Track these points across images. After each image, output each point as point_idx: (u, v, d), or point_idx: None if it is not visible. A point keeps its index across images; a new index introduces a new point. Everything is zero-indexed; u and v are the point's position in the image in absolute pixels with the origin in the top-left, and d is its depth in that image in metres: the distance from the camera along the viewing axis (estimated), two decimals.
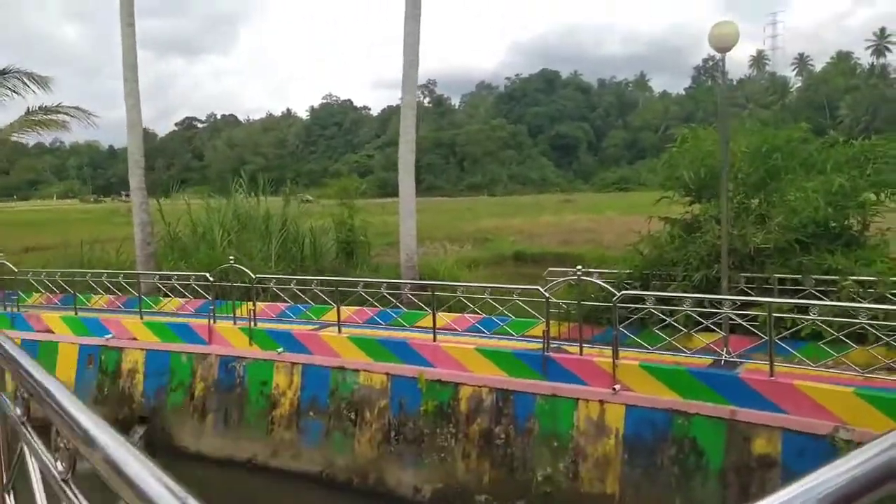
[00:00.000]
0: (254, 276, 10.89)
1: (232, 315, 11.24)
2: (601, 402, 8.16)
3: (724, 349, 8.05)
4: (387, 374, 9.61)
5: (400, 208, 14.06)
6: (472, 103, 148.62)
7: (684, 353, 8.22)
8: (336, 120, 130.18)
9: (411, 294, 10.22)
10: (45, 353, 12.51)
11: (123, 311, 13.18)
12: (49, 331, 12.77)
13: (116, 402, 11.76)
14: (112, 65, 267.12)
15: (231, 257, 11.33)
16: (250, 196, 18.63)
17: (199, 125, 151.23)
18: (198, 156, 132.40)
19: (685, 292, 9.29)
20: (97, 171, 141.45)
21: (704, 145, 9.83)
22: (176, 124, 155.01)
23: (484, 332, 9.95)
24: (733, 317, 8.12)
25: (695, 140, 10.35)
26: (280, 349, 10.49)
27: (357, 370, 9.86)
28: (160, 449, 11.07)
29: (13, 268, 13.45)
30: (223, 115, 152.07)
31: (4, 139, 15.81)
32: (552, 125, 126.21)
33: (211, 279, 11.40)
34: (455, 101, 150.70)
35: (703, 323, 8.24)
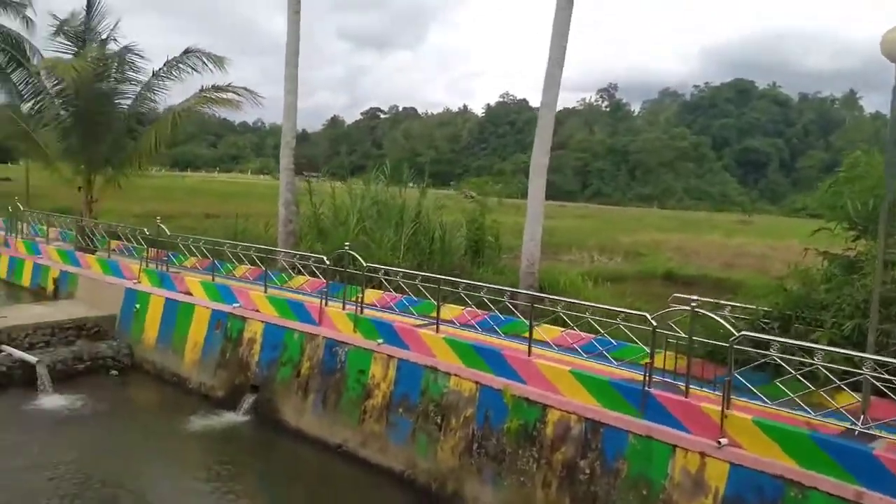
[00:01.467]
0: (364, 264, 10.90)
1: (342, 299, 11.37)
2: (702, 454, 7.11)
3: (861, 417, 6.65)
4: (476, 382, 9.17)
5: (527, 212, 13.48)
6: (652, 110, 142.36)
7: (811, 413, 6.91)
8: (510, 119, 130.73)
9: (509, 302, 9.64)
10: (183, 312, 13.58)
11: (252, 282, 13.89)
12: (188, 293, 13.81)
13: (235, 368, 12.42)
14: (312, 55, 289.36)
15: (346, 244, 11.44)
16: (399, 185, 18.86)
17: (382, 115, 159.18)
18: (377, 144, 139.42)
19: (831, 342, 7.87)
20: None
21: (877, 171, 8.24)
22: (362, 113, 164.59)
23: (582, 354, 9.14)
24: (878, 379, 6.68)
25: (868, 165, 8.74)
26: (380, 340, 10.42)
27: (448, 373, 9.52)
28: (265, 419, 11.55)
29: (167, 231, 14.67)
30: (404, 108, 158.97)
31: (184, 111, 17.32)
32: (740, 139, 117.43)
33: (327, 262, 11.60)
34: (635, 107, 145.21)
35: (840, 382, 6.87)
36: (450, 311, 11.12)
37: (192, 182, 76.62)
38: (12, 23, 33.03)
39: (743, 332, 7.29)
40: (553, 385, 8.45)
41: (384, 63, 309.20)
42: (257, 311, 12.52)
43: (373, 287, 12.84)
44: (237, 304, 12.78)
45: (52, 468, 9.47)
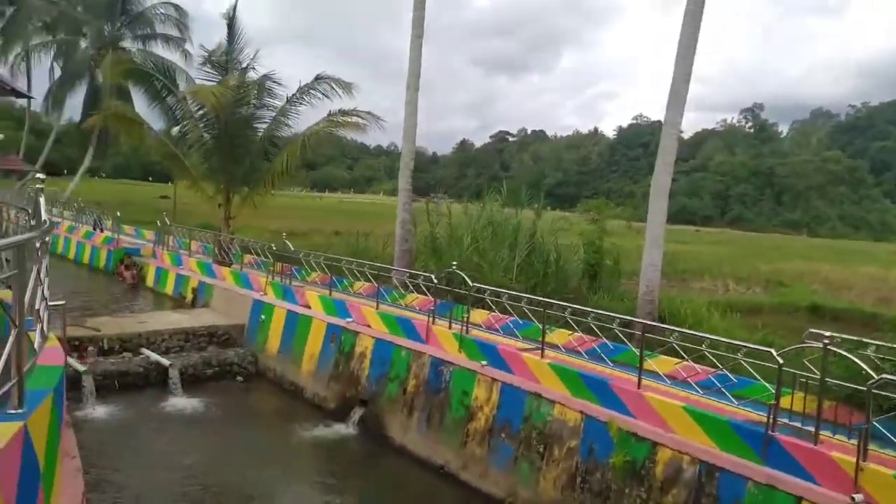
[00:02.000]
0: (471, 284, 10.77)
1: (449, 318, 11.29)
2: None
3: None
4: (581, 412, 8.69)
5: (646, 235, 12.77)
6: (802, 131, 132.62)
7: None
8: (643, 141, 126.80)
9: (620, 330, 9.04)
10: (302, 324, 14.11)
11: (366, 298, 14.17)
12: (308, 306, 14.33)
13: (346, 381, 12.69)
14: (445, 81, 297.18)
15: (454, 264, 11.36)
16: (517, 207, 18.69)
17: (511, 139, 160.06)
18: (505, 167, 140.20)
19: None
20: (420, 175, 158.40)
21: None
22: (491, 137, 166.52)
23: (697, 390, 8.39)
24: None
25: None
26: (484, 362, 10.22)
27: (552, 401, 9.11)
28: (372, 433, 11.66)
29: (290, 246, 15.36)
30: (533, 131, 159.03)
31: (312, 134, 18.21)
32: None
33: (435, 281, 11.59)
34: (783, 129, 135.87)
35: None
36: (558, 336, 10.70)
37: (328, 202, 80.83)
38: (172, 55, 36.57)
39: (884, 376, 6.36)
40: (664, 421, 7.82)
41: (515, 87, 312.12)
42: (369, 326, 12.75)
43: (483, 308, 12.70)
44: (350, 319, 13.09)
45: (175, 468, 10.05)
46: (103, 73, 33.19)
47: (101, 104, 29.67)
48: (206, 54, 18.99)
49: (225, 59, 18.68)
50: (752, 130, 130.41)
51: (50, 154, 51.76)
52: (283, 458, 11.22)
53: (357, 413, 12.10)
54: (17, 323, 3.36)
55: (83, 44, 43.38)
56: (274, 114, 19.19)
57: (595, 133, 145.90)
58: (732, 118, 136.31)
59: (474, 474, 9.90)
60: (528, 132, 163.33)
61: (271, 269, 15.98)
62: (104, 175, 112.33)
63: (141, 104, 23.69)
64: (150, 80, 19.00)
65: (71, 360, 12.91)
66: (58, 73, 45.05)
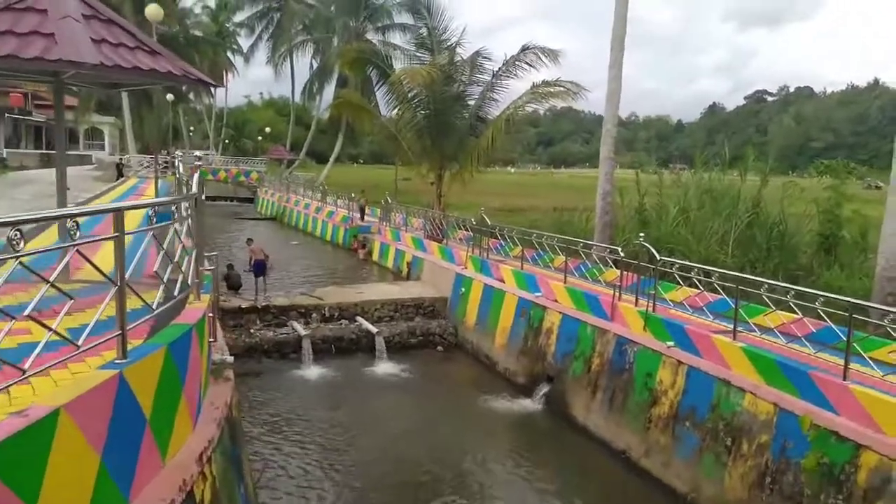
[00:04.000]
0: (657, 257, 9.85)
1: (635, 295, 10.50)
2: None
3: None
4: (775, 404, 7.53)
5: (887, 200, 10.44)
6: None
7: None
8: None
9: (822, 310, 7.49)
10: (496, 298, 14.22)
11: (551, 272, 13.75)
12: (502, 280, 14.38)
13: (534, 356, 12.54)
14: (692, 41, 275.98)
15: (640, 236, 10.47)
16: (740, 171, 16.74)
17: (770, 99, 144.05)
18: (762, 130, 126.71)
19: None
20: (662, 144, 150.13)
21: None
22: (745, 98, 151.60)
23: None
24: None
25: None
26: (670, 343, 9.35)
27: (743, 390, 8.02)
28: (556, 411, 11.39)
29: (487, 220, 15.48)
30: (797, 88, 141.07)
31: (517, 108, 18.09)
32: None
33: (621, 254, 10.84)
34: None
35: None
36: (770, 318, 9.28)
37: (559, 178, 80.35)
38: (398, 38, 38.85)
39: None
40: (873, 420, 6.45)
41: (773, 41, 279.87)
42: (556, 301, 12.40)
43: (691, 286, 11.57)
44: (539, 294, 12.86)
45: (374, 428, 10.75)
46: (331, 61, 36.49)
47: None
48: (418, 38, 19.87)
49: (431, 41, 19.38)
50: None
51: (312, 143, 58.64)
52: (477, 428, 11.30)
53: (543, 389, 11.91)
54: (117, 282, 3.76)
55: (335, 40, 48.08)
56: (482, 89, 19.44)
57: (875, 85, 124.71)
58: None
59: (656, 463, 9.17)
60: (791, 90, 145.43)
61: (471, 243, 16.31)
62: (362, 161, 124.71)
63: (372, 91, 25.61)
64: (372, 68, 20.43)
65: (296, 325, 14.58)
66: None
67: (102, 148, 60.56)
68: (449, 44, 19.77)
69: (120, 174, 38.62)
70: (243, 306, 14.78)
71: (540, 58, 18.27)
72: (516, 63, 18.75)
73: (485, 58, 19.91)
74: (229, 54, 68.94)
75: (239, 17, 60.61)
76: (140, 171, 42.08)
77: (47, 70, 5.92)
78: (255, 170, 53.71)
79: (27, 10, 5.80)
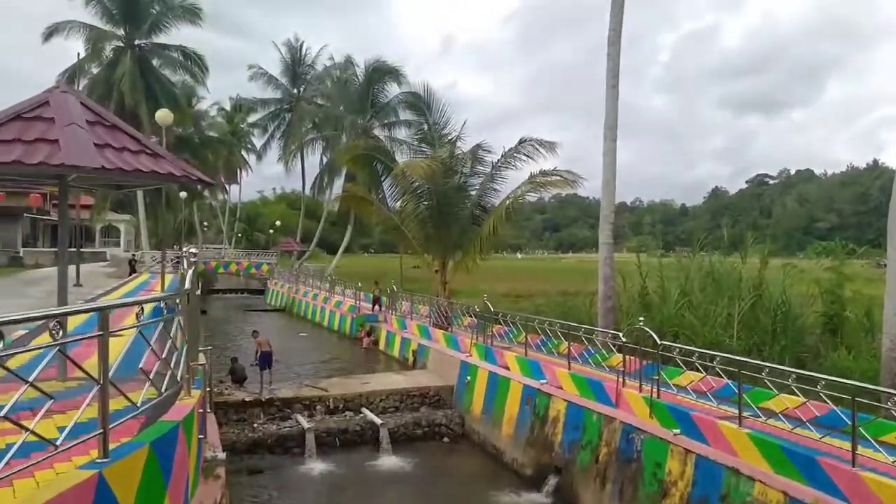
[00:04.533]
0: (658, 341, 9.78)
1: (639, 380, 10.35)
2: None
3: None
4: (784, 493, 7.26)
5: (887, 279, 10.44)
6: None
7: None
8: None
9: (826, 394, 7.33)
10: (501, 385, 14.03)
11: (556, 358, 13.61)
12: (506, 367, 14.23)
13: (541, 446, 12.22)
14: (689, 128, 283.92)
15: (640, 320, 10.44)
16: (741, 254, 16.84)
17: (771, 182, 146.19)
18: (766, 213, 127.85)
19: None
20: (668, 228, 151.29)
21: None
22: (747, 182, 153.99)
23: None
24: None
25: None
26: (677, 430, 9.13)
27: (752, 478, 7.76)
28: None
29: (490, 307, 15.50)
30: (797, 171, 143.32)
31: (517, 198, 18.51)
32: None
33: (623, 339, 10.77)
34: None
35: None
36: (775, 402, 9.10)
37: (567, 263, 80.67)
38: (403, 133, 40.26)
39: None
40: None
41: (772, 126, 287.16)
42: (561, 388, 12.23)
43: (694, 370, 11.40)
44: (544, 381, 12.70)
45: None
46: (335, 160, 37.74)
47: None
48: (421, 133, 20.64)
49: (431, 135, 20.11)
50: None
51: (322, 234, 59.64)
52: None
53: (551, 482, 11.53)
54: (100, 379, 3.80)
55: (344, 137, 49.82)
56: (481, 180, 19.95)
57: (875, 166, 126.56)
58: None
59: None
60: (792, 173, 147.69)
61: (475, 330, 16.26)
62: (373, 250, 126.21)
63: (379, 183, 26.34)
64: (373, 163, 21.12)
65: (300, 418, 14.38)
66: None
67: (118, 245, 61.88)
68: (450, 137, 20.50)
69: (132, 270, 39.19)
70: (247, 399, 14.65)
71: (537, 149, 18.86)
72: (515, 155, 19.34)
73: (485, 150, 20.62)
74: (243, 152, 71.53)
75: (252, 117, 63.27)
76: (153, 267, 42.68)
77: (52, 173, 6.20)
78: (265, 262, 54.44)
79: (36, 118, 6.15)
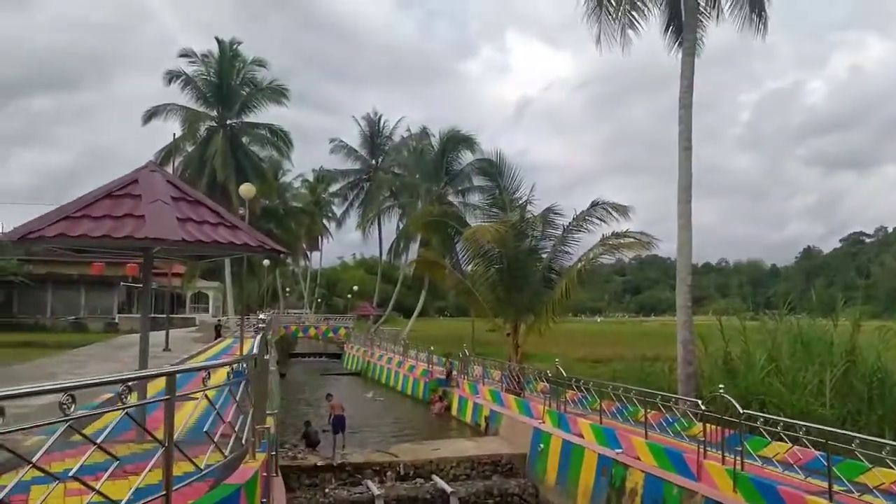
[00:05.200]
0: (739, 410, 9.26)
1: (721, 451, 9.78)
2: None
3: None
4: None
5: None
6: None
7: None
8: None
9: None
10: (575, 454, 13.54)
11: (633, 426, 13.04)
12: (580, 435, 13.76)
13: None
14: (780, 187, 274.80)
15: (721, 387, 9.93)
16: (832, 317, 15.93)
17: (867, 240, 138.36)
18: (863, 273, 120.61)
19: None
20: (757, 290, 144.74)
21: None
22: (840, 240, 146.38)
23: None
24: None
25: None
26: None
27: None
28: None
29: (563, 372, 15.14)
30: (895, 228, 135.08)
31: (589, 261, 18.30)
32: None
33: (702, 407, 10.26)
34: None
35: None
36: (871, 476, 8.40)
37: (649, 326, 78.14)
38: (476, 199, 40.82)
39: None
40: None
41: (866, 182, 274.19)
42: (638, 458, 11.68)
43: (778, 439, 10.70)
44: (620, 450, 12.18)
45: None
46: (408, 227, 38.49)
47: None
48: (490, 197, 20.94)
49: (502, 200, 20.34)
50: None
51: (399, 298, 60.49)
52: None
53: None
54: (165, 443, 3.97)
55: (419, 204, 51.00)
56: (553, 243, 19.88)
57: None
58: None
59: None
60: (889, 230, 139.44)
61: (548, 396, 15.88)
62: (448, 314, 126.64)
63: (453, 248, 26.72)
64: (446, 228, 21.49)
65: (370, 484, 14.30)
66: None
67: (207, 310, 64.67)
68: (520, 202, 20.67)
69: (218, 335, 40.76)
70: (319, 464, 14.73)
71: (610, 212, 18.69)
72: (587, 217, 19.23)
73: (555, 213, 20.64)
74: (324, 221, 74.27)
75: (333, 187, 65.96)
76: (237, 332, 44.26)
77: (137, 246, 6.67)
78: (342, 326, 55.46)
79: (125, 196, 6.68)
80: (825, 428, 8.17)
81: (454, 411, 22.63)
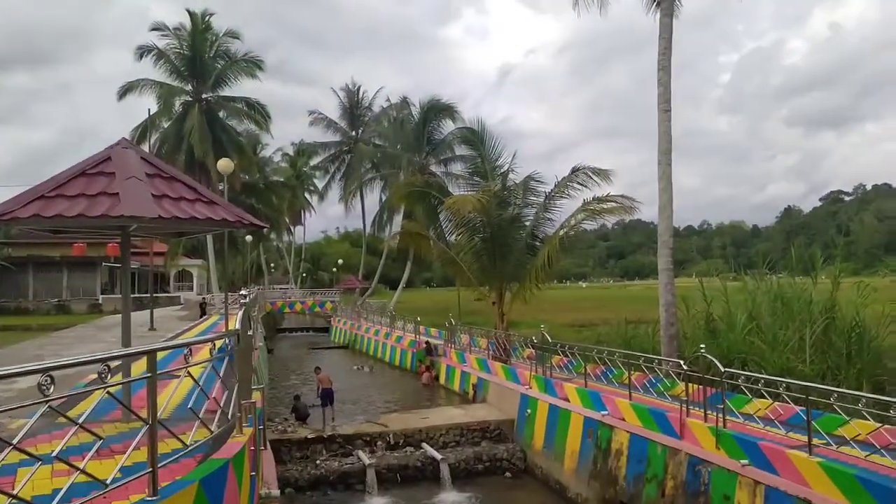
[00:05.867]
0: (721, 368, 9.42)
1: (703, 409, 9.97)
2: None
3: None
4: None
5: None
6: None
7: None
8: None
9: None
10: (562, 418, 13.75)
11: (618, 388, 13.22)
12: (566, 399, 13.96)
13: (605, 480, 11.88)
14: (758, 149, 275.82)
15: (702, 347, 10.08)
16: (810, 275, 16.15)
17: (846, 198, 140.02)
18: (843, 231, 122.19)
19: None
20: (740, 250, 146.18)
21: None
22: (820, 199, 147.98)
23: None
24: None
25: None
26: (745, 461, 8.72)
27: None
28: None
29: (548, 338, 15.28)
30: (874, 186, 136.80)
31: (570, 227, 18.35)
32: None
33: (684, 367, 10.43)
34: None
35: None
36: (847, 429, 8.59)
37: (633, 290, 78.93)
38: (458, 168, 40.59)
39: None
40: None
41: (844, 141, 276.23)
42: (623, 419, 11.89)
43: (759, 396, 10.92)
44: (605, 412, 12.38)
45: None
46: (391, 199, 38.37)
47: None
48: (472, 166, 20.85)
49: (484, 168, 20.27)
50: None
51: (384, 270, 60.49)
52: None
53: None
54: (148, 420, 3.97)
55: (401, 175, 50.77)
56: (535, 211, 19.90)
57: None
58: None
59: None
60: (868, 188, 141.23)
61: (534, 362, 16.04)
62: (434, 284, 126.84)
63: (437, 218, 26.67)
64: (428, 199, 21.37)
65: (361, 454, 14.46)
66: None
67: (191, 289, 64.24)
68: (503, 170, 20.61)
69: (203, 312, 40.61)
70: (309, 436, 14.85)
71: (591, 177, 18.69)
72: (568, 184, 19.21)
73: (536, 181, 20.58)
74: (306, 195, 73.68)
75: (314, 160, 65.26)
76: (222, 309, 44.10)
77: (113, 224, 6.58)
78: (329, 300, 55.47)
79: (98, 174, 6.57)
80: (805, 384, 8.35)
81: (442, 380, 22.84)
